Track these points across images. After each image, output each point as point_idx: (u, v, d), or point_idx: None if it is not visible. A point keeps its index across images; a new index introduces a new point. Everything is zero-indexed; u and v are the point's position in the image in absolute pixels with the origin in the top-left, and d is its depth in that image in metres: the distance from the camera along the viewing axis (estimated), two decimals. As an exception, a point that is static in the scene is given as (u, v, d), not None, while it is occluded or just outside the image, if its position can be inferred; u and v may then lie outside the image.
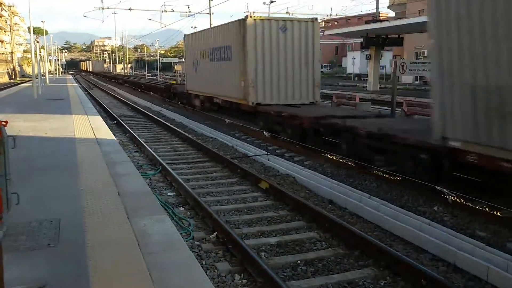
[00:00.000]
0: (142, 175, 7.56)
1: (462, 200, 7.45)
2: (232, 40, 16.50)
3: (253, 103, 15.21)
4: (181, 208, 7.29)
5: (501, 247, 5.68)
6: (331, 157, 10.97)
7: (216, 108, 20.17)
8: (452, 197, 7.43)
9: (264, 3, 33.55)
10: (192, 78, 22.63)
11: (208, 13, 35.05)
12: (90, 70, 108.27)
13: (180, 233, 5.82)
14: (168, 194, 8.09)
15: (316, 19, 16.31)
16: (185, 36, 23.95)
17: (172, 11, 40.08)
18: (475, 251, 5.32)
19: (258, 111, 15.07)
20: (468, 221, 6.76)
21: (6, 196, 3.22)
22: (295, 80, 15.56)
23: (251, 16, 15.56)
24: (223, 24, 18.13)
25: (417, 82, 47.58)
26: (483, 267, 4.97)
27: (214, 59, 18.72)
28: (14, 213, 4.62)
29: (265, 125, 14.46)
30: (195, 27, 53.66)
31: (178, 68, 69.34)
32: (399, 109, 16.61)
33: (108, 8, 40.75)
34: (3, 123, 3.30)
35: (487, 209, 7.04)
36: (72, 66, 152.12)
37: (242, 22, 15.41)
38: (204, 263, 5.21)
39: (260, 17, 15.94)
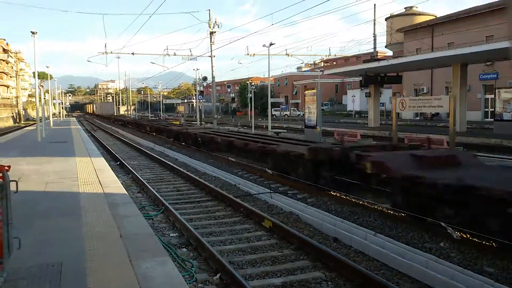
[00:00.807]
0: (144, 216, 7.52)
1: (469, 236, 7.35)
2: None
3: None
4: (184, 249, 7.20)
5: (510, 284, 5.56)
6: (334, 194, 10.92)
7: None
8: (458, 233, 7.33)
9: (264, 45, 34.25)
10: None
11: (210, 56, 35.79)
12: (98, 113, 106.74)
13: (183, 275, 5.74)
14: (171, 235, 8.01)
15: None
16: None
17: (175, 54, 40.96)
18: (484, 287, 5.21)
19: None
20: (475, 256, 6.65)
21: (7, 241, 3.21)
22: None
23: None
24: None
25: (417, 118, 47.91)
26: (493, 304, 4.85)
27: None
28: (15, 258, 4.60)
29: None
30: (197, 69, 54.80)
31: (180, 108, 70.24)
32: (401, 145, 16.64)
33: (111, 52, 41.86)
34: (6, 168, 3.34)
35: (493, 244, 6.94)
36: (76, 108, 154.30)
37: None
38: (207, 306, 5.10)
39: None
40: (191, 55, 40.73)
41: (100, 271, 4.35)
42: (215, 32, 34.50)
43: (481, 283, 5.32)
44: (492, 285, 5.28)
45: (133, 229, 5.85)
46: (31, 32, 22.57)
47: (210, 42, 34.74)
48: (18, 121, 77.47)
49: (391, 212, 9.01)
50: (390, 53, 63.48)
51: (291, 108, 68.00)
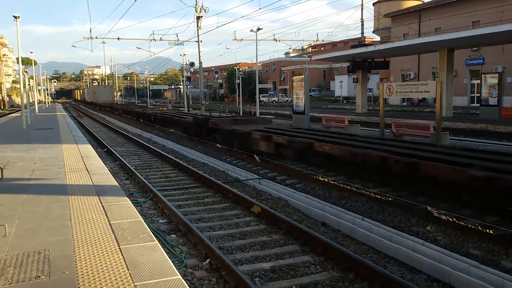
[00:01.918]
0: (132, 203, 7.47)
1: (455, 219, 7.46)
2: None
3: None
4: (173, 235, 7.20)
5: (496, 265, 5.67)
6: (322, 179, 10.98)
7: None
8: (444, 217, 7.43)
9: (251, 30, 33.96)
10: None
11: (196, 41, 35.43)
12: (91, 100, 79.22)
13: (173, 261, 5.74)
14: (160, 221, 8.00)
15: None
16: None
17: (161, 39, 40.45)
18: (470, 270, 5.30)
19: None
20: (462, 239, 6.76)
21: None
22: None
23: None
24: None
25: (404, 103, 48.20)
26: (478, 286, 4.94)
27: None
28: (2, 245, 4.54)
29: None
30: (184, 54, 54.26)
31: (167, 94, 69.71)
32: (388, 130, 16.74)
33: (97, 37, 41.02)
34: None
35: (479, 227, 7.05)
36: (62, 95, 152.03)
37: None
38: (197, 291, 5.11)
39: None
40: (178, 40, 40.27)
41: (89, 257, 4.32)
42: (202, 16, 34.10)
43: (467, 266, 5.41)
44: (478, 267, 5.37)
45: (121, 216, 5.81)
46: (14, 16, 22.09)
47: (197, 27, 34.37)
48: (2, 108, 76.21)
49: (378, 196, 9.10)
50: (377, 38, 63.52)
51: (279, 94, 67.89)
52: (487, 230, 6.92)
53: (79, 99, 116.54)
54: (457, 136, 18.62)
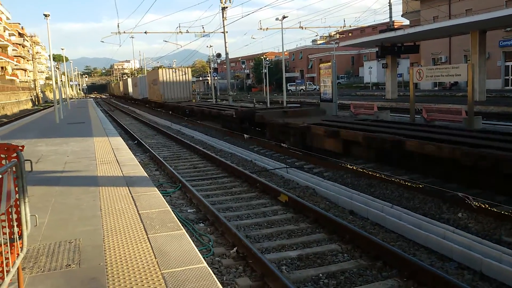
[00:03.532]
0: (162, 193, 7.60)
1: (487, 206, 7.26)
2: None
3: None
4: (201, 224, 7.30)
5: (530, 252, 5.49)
6: (351, 167, 10.86)
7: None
8: (476, 203, 7.24)
9: (277, 19, 33.71)
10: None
11: (222, 32, 35.45)
12: (142, 96, 52.08)
13: (200, 249, 5.82)
14: (188, 210, 8.11)
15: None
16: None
17: (187, 32, 40.73)
18: (502, 257, 5.16)
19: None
20: (494, 227, 6.58)
21: (25, 218, 3.26)
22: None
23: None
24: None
25: (436, 88, 47.01)
26: (511, 274, 4.80)
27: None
28: (35, 235, 4.71)
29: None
30: (211, 46, 54.39)
31: (194, 86, 70.23)
32: (419, 116, 16.39)
33: (124, 32, 41.58)
34: (20, 148, 3.38)
35: (513, 213, 6.84)
36: (93, 89, 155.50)
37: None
38: (224, 279, 5.18)
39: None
40: (204, 32, 40.44)
41: (118, 246, 4.43)
42: (227, 7, 34.09)
43: (499, 253, 5.27)
44: (510, 254, 5.22)
45: (150, 206, 5.92)
46: (44, 14, 22.64)
47: (222, 17, 34.36)
48: (37, 103, 78.58)
49: (409, 184, 8.94)
50: (406, 22, 61.97)
51: (307, 82, 67.29)
52: None
53: (116, 93, 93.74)
54: (491, 121, 18.05)
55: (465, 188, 8.20)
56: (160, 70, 39.56)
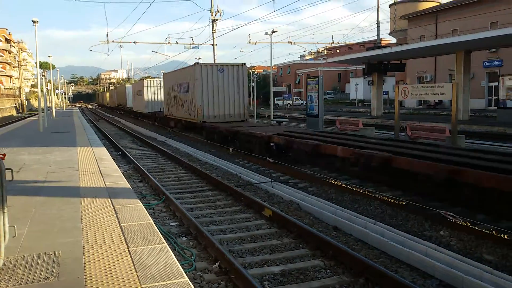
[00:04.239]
0: (145, 205, 7.52)
1: (469, 224, 7.33)
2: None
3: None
4: (184, 238, 7.23)
5: (510, 271, 5.55)
6: (335, 182, 10.91)
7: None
8: (458, 221, 7.31)
9: (266, 33, 34.00)
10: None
11: (212, 44, 35.59)
12: (151, 110, 37.87)
13: (182, 264, 5.76)
14: (171, 224, 8.04)
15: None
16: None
17: (176, 43, 40.77)
18: (483, 275, 5.20)
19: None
20: (475, 245, 6.64)
21: (3, 229, 3.21)
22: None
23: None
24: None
25: (420, 106, 47.67)
26: (491, 292, 4.83)
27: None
28: (13, 246, 4.61)
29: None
30: (199, 58, 54.52)
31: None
32: (403, 134, 16.56)
33: (113, 41, 41.46)
34: (1, 156, 3.33)
35: (494, 232, 6.92)
36: (79, 99, 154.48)
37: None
38: (206, 294, 5.11)
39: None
40: (193, 43, 40.50)
41: (98, 259, 4.35)
42: (217, 20, 34.26)
43: (480, 271, 5.31)
44: (491, 272, 5.27)
45: (132, 218, 5.85)
46: (32, 21, 22.52)
47: (212, 30, 34.52)
48: (21, 111, 77.63)
49: (392, 200, 9.00)
50: (394, 40, 63.01)
51: (294, 97, 67.73)
52: (502, 235, 6.79)
53: (107, 103, 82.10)
54: (473, 140, 18.33)
55: (448, 206, 8.28)
56: (195, 67, 21.84)
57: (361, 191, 9.91)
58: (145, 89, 38.07)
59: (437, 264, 5.61)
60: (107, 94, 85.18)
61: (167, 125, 29.08)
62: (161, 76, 35.46)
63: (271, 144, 14.70)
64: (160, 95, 36.83)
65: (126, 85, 56.34)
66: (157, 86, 38.00)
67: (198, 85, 21.96)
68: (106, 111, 75.01)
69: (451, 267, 5.49)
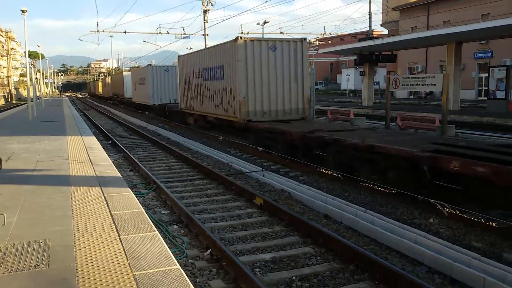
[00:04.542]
0: (135, 194, 7.50)
1: (458, 212, 7.41)
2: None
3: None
4: (175, 226, 7.23)
5: (497, 258, 5.63)
6: (326, 171, 10.95)
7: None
8: (447, 209, 7.38)
9: (258, 23, 33.89)
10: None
11: (203, 35, 35.36)
12: (139, 101, 37.44)
13: (174, 251, 5.76)
14: (162, 212, 8.03)
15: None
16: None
17: (167, 33, 40.45)
18: (471, 262, 5.27)
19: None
20: (464, 232, 6.72)
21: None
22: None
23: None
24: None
25: (411, 96, 47.87)
26: (479, 278, 4.91)
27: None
28: (3, 235, 4.58)
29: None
30: (191, 48, 54.16)
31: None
32: (394, 123, 16.65)
33: (103, 31, 41.03)
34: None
35: (482, 220, 7.00)
36: (68, 88, 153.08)
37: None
38: (197, 281, 5.14)
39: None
40: (184, 33, 40.23)
41: (89, 247, 4.34)
42: (208, 10, 34.03)
43: (468, 258, 5.37)
44: (479, 259, 5.34)
45: (123, 207, 5.82)
46: (21, 10, 22.19)
47: (204, 20, 34.30)
48: (9, 100, 76.75)
49: (381, 189, 9.06)
50: (385, 31, 63.06)
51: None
52: (490, 223, 6.88)
53: (99, 93, 75.73)
54: (463, 130, 18.49)
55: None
56: (237, 43, 15.90)
57: (352, 180, 9.96)
58: (150, 76, 32.04)
59: (426, 251, 5.67)
60: (100, 83, 77.74)
61: (184, 122, 24.17)
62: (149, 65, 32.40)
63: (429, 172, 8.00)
64: (171, 83, 31.46)
65: (124, 73, 49.64)
66: (167, 73, 31.96)
67: (242, 69, 15.66)
68: (98, 101, 72.02)
69: (440, 254, 5.55)
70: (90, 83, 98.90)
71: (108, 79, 66.00)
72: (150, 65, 33.24)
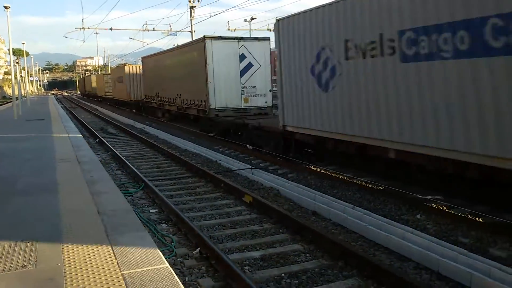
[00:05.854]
0: (123, 193, 7.47)
1: (445, 208, 7.50)
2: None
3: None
4: (164, 225, 7.20)
5: (484, 253, 5.71)
6: (314, 168, 10.99)
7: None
8: (434, 205, 7.47)
9: (245, 20, 33.86)
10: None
11: (190, 31, 35.19)
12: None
13: (162, 250, 5.74)
14: (151, 211, 7.99)
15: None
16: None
17: (154, 30, 40.18)
18: (458, 258, 5.33)
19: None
20: (451, 228, 6.80)
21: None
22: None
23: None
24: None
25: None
26: (466, 273, 4.97)
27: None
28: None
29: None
30: (178, 45, 53.85)
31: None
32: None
33: (89, 28, 40.65)
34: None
35: (469, 215, 7.09)
36: (54, 86, 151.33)
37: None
38: (186, 280, 5.13)
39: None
40: (171, 30, 40.02)
41: (77, 247, 4.30)
42: (195, 6, 33.89)
43: (455, 253, 5.44)
44: (466, 254, 5.41)
45: (111, 205, 5.78)
46: (4, 6, 21.88)
47: (190, 17, 34.14)
48: (-6, 99, 75.57)
49: (370, 185, 9.12)
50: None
51: (273, 85, 67.56)
52: (477, 218, 6.97)
53: (89, 91, 66.71)
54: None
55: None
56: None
57: (340, 177, 10.02)
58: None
59: (414, 247, 5.73)
60: (94, 78, 64.04)
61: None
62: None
63: None
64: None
65: (126, 66, 36.18)
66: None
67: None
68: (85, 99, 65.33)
69: (427, 250, 5.61)
70: (85, 78, 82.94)
71: (103, 77, 54.54)
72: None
